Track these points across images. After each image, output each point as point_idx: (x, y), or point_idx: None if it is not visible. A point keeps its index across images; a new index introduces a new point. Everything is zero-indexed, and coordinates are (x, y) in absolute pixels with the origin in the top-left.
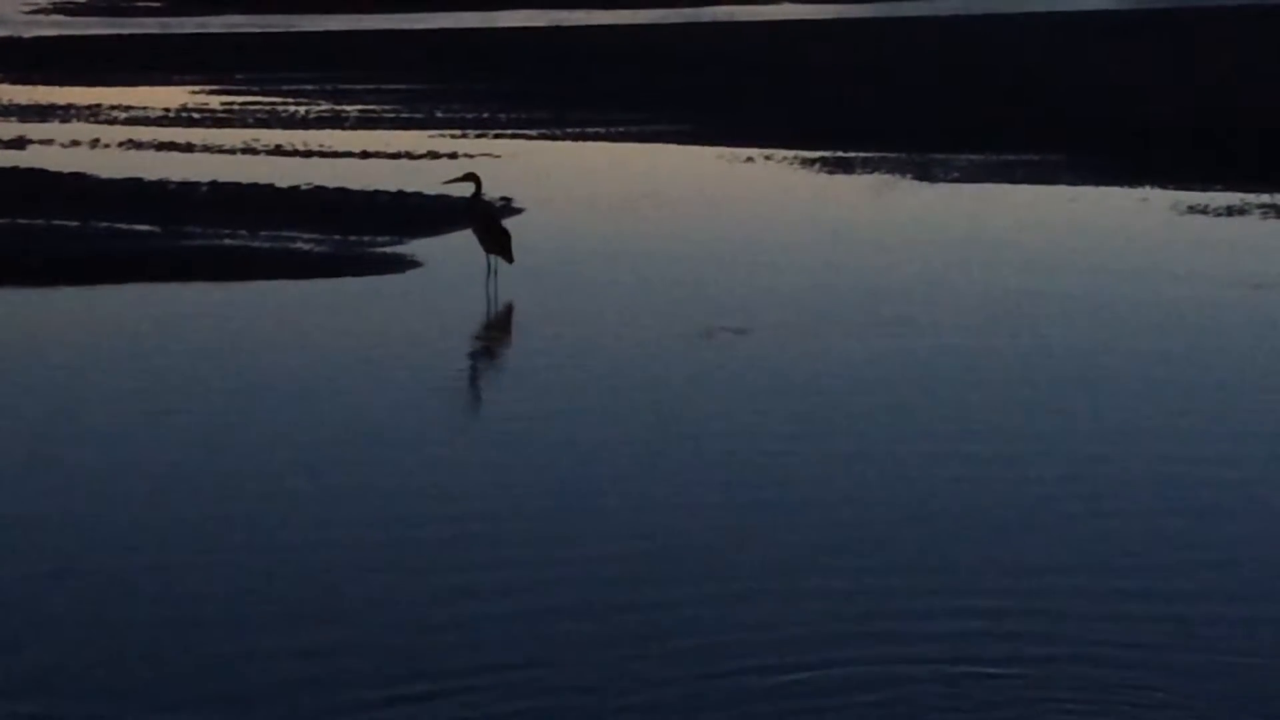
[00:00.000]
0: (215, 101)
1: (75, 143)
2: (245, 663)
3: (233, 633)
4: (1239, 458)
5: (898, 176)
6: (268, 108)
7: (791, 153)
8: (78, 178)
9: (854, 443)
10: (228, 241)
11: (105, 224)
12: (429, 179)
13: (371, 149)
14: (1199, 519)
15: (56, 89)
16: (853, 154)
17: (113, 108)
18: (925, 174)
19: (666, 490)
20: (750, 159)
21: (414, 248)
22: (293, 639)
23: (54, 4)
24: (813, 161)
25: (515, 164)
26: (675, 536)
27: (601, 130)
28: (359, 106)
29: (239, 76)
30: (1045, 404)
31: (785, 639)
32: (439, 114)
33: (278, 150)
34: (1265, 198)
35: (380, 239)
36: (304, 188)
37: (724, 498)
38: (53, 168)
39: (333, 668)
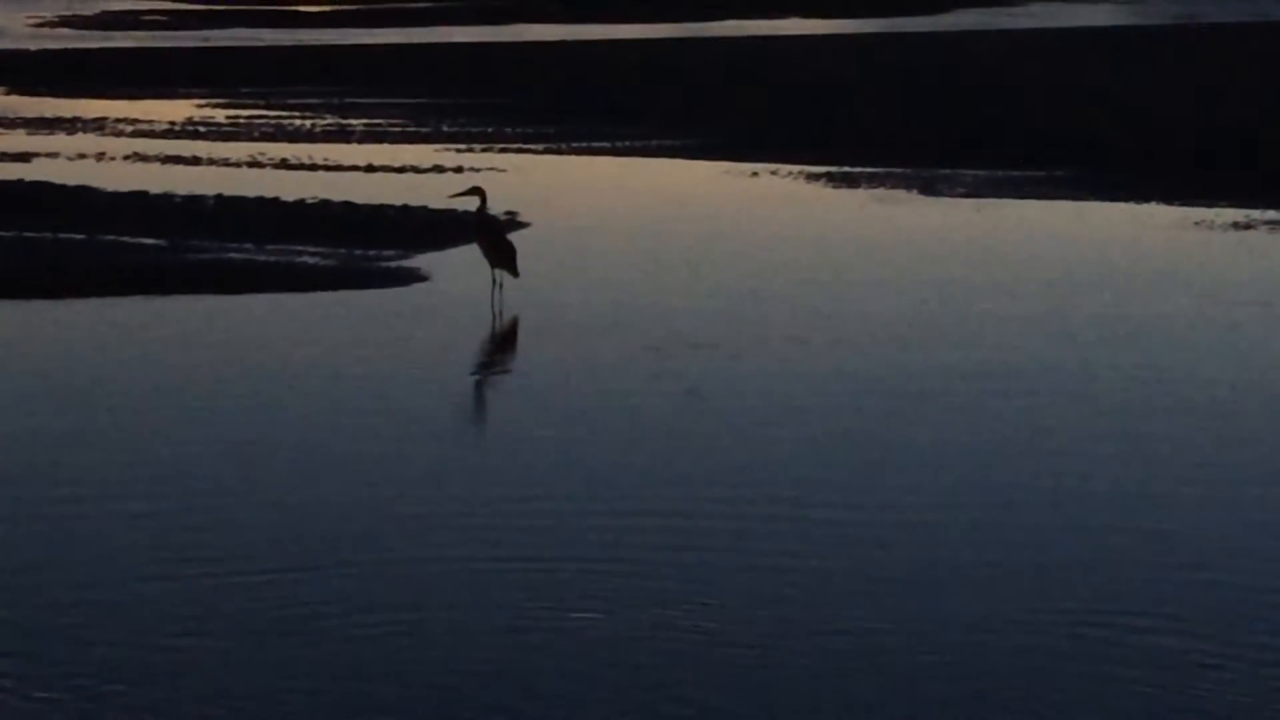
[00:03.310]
0: (221, 115)
1: (81, 156)
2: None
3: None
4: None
5: (902, 192)
6: (273, 121)
7: (796, 168)
8: (83, 191)
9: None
10: (234, 255)
11: (111, 237)
12: (435, 193)
13: (377, 163)
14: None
15: (62, 102)
16: (858, 169)
17: (118, 121)
18: (929, 189)
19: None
20: (755, 174)
21: (420, 262)
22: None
23: (59, 17)
24: (818, 176)
25: (521, 178)
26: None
27: (607, 145)
28: (365, 120)
29: (244, 90)
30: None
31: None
32: (445, 128)
33: (284, 164)
34: (1271, 214)
35: (386, 253)
36: (310, 201)
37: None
38: (58, 181)
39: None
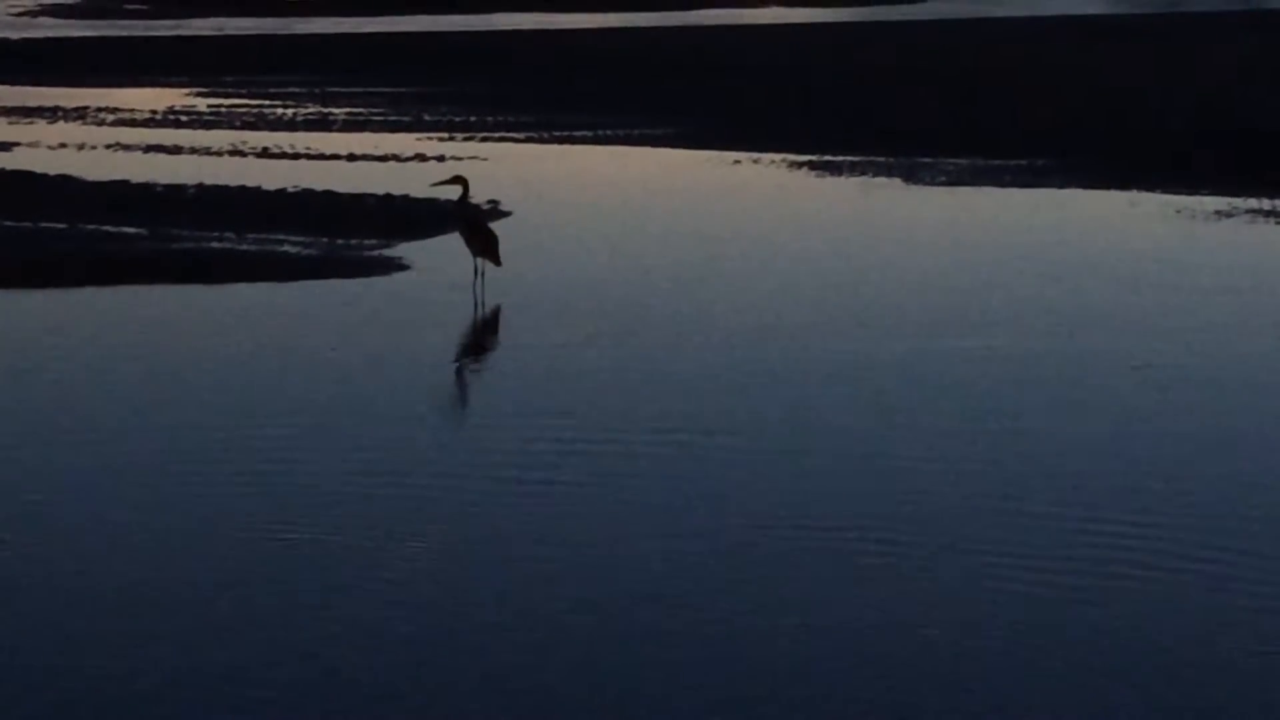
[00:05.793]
0: (202, 104)
1: (62, 145)
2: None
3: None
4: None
5: (884, 180)
6: (255, 110)
7: (778, 156)
8: (65, 180)
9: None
10: (215, 244)
11: (92, 226)
12: (416, 182)
13: (359, 152)
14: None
15: (43, 90)
16: (840, 158)
17: (100, 110)
18: (911, 178)
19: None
20: (737, 162)
21: (401, 250)
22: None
23: (41, 6)
24: (799, 165)
25: (503, 167)
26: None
27: (589, 134)
28: (346, 109)
29: (226, 79)
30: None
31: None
32: (427, 117)
33: (265, 153)
34: (1252, 202)
35: (368, 242)
36: (291, 190)
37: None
38: (39, 169)
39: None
